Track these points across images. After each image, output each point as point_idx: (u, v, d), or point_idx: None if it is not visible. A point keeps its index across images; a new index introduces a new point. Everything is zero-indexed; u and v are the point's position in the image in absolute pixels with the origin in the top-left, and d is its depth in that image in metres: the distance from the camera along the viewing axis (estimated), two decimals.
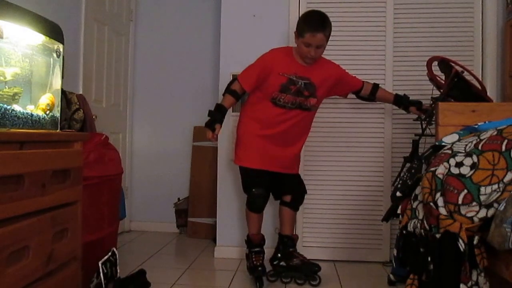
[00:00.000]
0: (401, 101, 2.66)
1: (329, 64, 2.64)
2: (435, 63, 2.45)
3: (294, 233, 2.74)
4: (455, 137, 1.74)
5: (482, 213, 1.41)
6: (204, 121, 2.46)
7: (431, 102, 2.42)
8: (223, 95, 2.54)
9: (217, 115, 2.44)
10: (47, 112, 1.68)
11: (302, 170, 2.95)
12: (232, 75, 3.03)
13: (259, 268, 2.51)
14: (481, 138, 1.58)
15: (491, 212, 1.40)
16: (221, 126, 2.47)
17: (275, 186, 2.62)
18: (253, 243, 2.61)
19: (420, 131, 2.54)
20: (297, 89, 2.47)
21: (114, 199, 2.44)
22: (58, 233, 1.55)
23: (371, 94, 2.70)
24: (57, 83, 1.75)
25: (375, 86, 2.70)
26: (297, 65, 2.50)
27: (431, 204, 1.51)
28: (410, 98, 2.66)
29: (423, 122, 2.50)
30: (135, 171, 3.92)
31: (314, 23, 2.39)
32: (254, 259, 2.56)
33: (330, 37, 3.02)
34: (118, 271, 2.10)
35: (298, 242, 2.72)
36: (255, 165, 2.53)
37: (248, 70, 2.52)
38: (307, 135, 2.69)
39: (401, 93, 2.76)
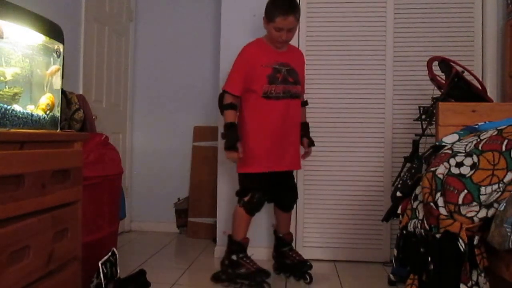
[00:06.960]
0: (303, 128, 2.63)
1: (298, 51, 2.69)
2: (436, 63, 2.45)
3: (287, 233, 2.66)
4: (455, 137, 1.74)
5: (482, 213, 1.41)
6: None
7: (432, 102, 2.42)
8: (222, 113, 2.48)
9: (234, 134, 2.40)
10: (47, 112, 1.68)
11: (302, 170, 2.94)
12: None
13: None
14: (481, 138, 1.58)
15: (491, 212, 1.40)
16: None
17: (271, 187, 2.54)
18: (244, 247, 2.49)
19: (420, 131, 2.54)
20: (283, 77, 2.45)
21: (114, 199, 2.44)
22: (58, 233, 1.55)
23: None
24: (57, 83, 1.75)
25: (304, 102, 2.68)
26: (275, 53, 2.48)
27: (431, 204, 1.51)
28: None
29: (423, 122, 2.50)
30: (135, 171, 3.92)
31: (284, 6, 2.36)
32: (251, 264, 2.45)
33: (331, 37, 3.04)
34: (118, 271, 2.09)
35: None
36: (261, 168, 2.44)
37: (232, 77, 2.47)
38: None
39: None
